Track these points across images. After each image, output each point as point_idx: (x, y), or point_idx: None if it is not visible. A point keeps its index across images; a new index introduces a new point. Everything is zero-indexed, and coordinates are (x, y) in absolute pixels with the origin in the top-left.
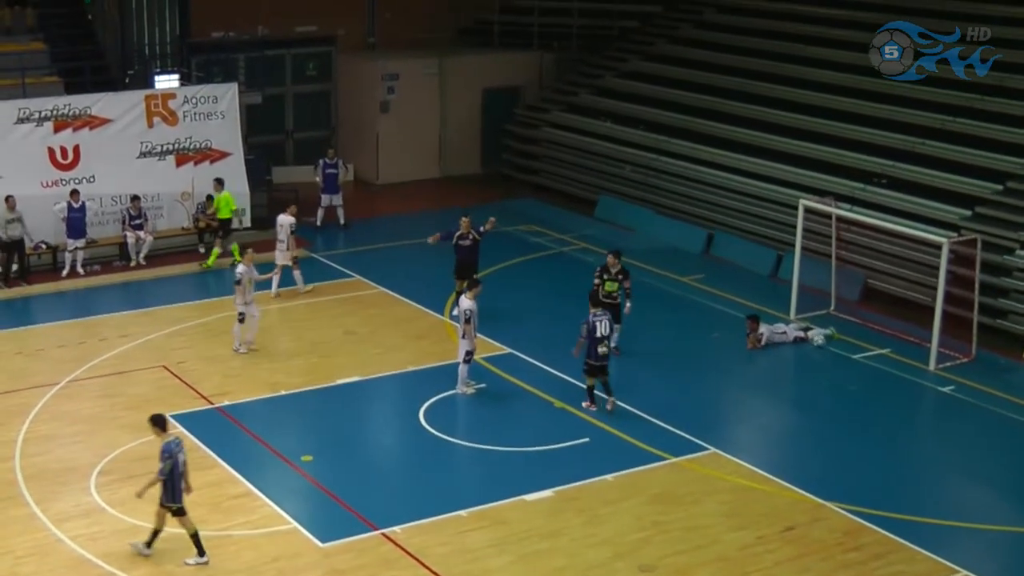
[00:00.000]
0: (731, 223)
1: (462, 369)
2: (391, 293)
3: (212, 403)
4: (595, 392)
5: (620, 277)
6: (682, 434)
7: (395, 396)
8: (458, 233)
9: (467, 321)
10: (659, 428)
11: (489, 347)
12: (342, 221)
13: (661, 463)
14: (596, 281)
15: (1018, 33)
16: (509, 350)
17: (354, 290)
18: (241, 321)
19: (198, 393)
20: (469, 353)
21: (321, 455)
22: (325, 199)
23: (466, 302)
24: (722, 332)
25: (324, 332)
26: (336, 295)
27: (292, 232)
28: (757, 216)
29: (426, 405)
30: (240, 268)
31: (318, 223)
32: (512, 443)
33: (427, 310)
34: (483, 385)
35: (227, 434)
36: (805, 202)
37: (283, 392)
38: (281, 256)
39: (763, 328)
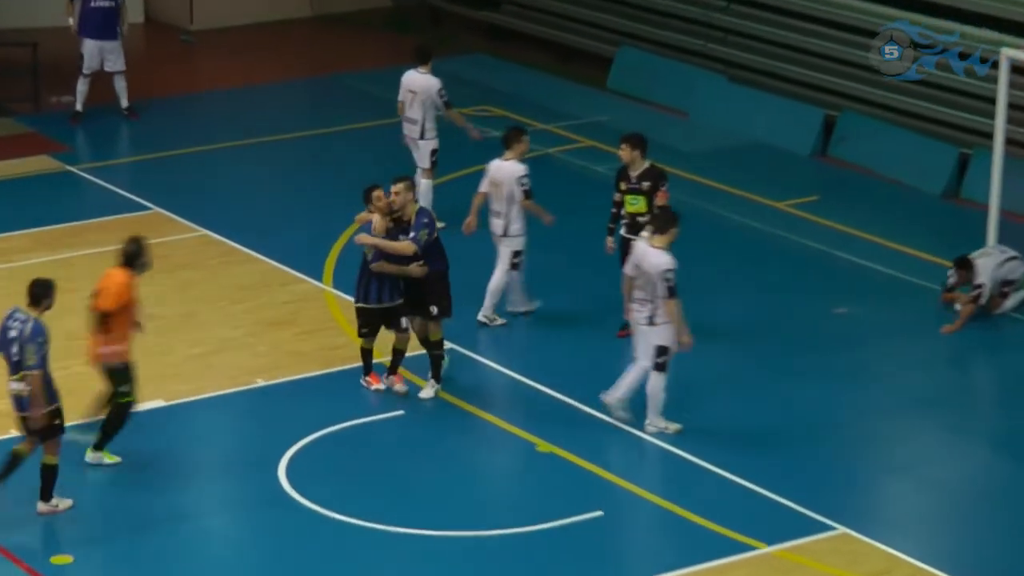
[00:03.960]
0: (869, 96)
1: (654, 384)
2: (221, 239)
3: None
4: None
5: (645, 185)
6: (784, 501)
7: (232, 435)
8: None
9: (670, 292)
10: (739, 489)
11: (413, 340)
12: (123, 103)
13: (743, 556)
14: (616, 195)
15: None
16: (450, 344)
17: (153, 233)
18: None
19: None
20: (664, 351)
21: (90, 553)
22: (90, 59)
23: (661, 257)
24: (856, 304)
25: None
26: (117, 243)
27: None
28: (918, 84)
29: (292, 451)
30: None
31: (78, 106)
32: (461, 523)
33: (290, 271)
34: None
35: None
36: (1011, 51)
37: (14, 434)
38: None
39: (984, 276)
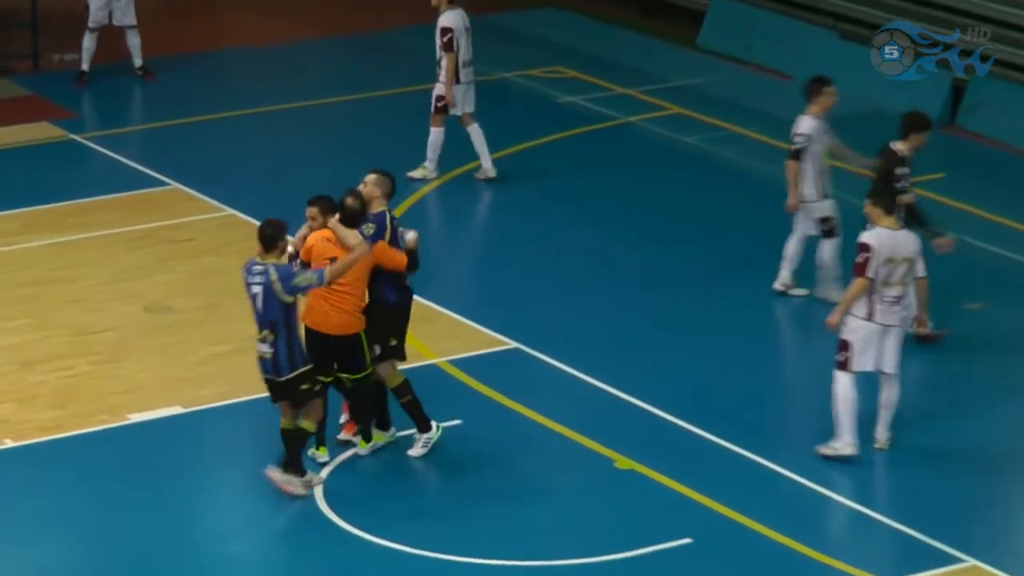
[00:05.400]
0: (1008, 56)
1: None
2: (248, 219)
3: None
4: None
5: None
6: (904, 528)
7: (261, 447)
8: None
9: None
10: (850, 513)
11: (474, 338)
12: (137, 61)
13: None
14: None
15: None
16: (514, 344)
17: (168, 213)
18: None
19: None
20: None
21: None
22: (97, 11)
23: (910, 236)
24: (992, 300)
25: (101, 307)
26: (130, 224)
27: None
28: None
29: (331, 467)
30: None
31: (84, 66)
32: (527, 551)
33: None
34: None
35: None
36: None
37: (10, 444)
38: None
39: None
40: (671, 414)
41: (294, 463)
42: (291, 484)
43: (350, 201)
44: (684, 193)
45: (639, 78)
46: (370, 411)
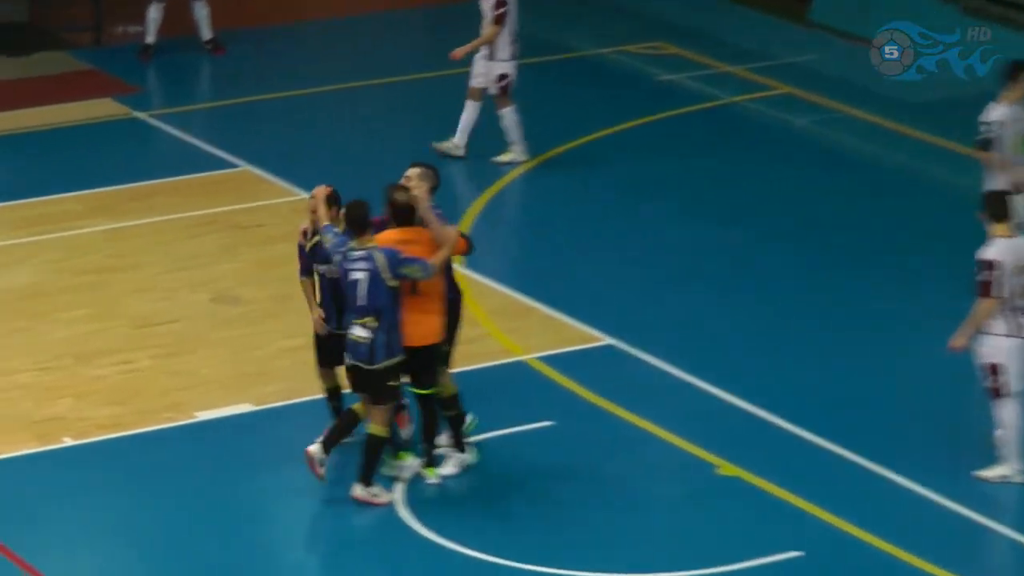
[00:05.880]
0: None
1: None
2: None
3: None
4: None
5: None
6: None
7: (334, 451)
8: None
9: None
10: (978, 529)
11: (566, 333)
12: (205, 35)
13: None
14: None
15: None
16: (609, 339)
17: (237, 196)
18: None
19: None
20: None
21: None
22: None
23: None
24: None
25: (165, 297)
26: (196, 208)
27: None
28: None
29: (411, 470)
30: None
31: (149, 39)
32: (622, 563)
33: None
34: None
35: None
36: None
37: (69, 442)
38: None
39: None
40: (778, 416)
41: (371, 472)
42: (377, 496)
43: (400, 196)
44: (794, 179)
45: (746, 55)
46: (437, 426)
